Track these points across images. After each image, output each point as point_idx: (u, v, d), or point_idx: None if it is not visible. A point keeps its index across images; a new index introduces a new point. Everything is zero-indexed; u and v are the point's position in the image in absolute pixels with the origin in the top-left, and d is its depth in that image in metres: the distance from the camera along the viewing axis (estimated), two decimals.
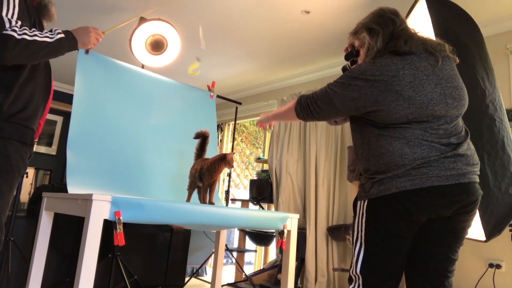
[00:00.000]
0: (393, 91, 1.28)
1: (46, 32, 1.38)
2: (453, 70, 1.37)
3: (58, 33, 1.42)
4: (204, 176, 2.12)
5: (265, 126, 1.84)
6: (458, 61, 1.41)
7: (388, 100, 1.28)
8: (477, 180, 1.30)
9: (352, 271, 1.36)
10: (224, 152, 5.23)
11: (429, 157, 1.24)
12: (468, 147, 1.31)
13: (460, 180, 1.24)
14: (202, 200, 2.18)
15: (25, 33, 1.30)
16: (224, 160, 2.08)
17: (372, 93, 1.30)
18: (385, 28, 1.40)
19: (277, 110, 1.71)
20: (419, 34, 1.41)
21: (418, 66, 1.31)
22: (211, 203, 2.16)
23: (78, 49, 1.61)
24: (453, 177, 1.23)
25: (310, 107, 1.45)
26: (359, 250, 1.34)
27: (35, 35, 1.33)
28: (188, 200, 2.24)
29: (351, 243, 3.01)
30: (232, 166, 2.13)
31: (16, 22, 1.30)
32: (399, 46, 1.34)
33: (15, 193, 1.43)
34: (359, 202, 1.37)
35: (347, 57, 1.57)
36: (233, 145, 3.83)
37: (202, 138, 2.33)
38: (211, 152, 2.88)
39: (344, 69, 1.63)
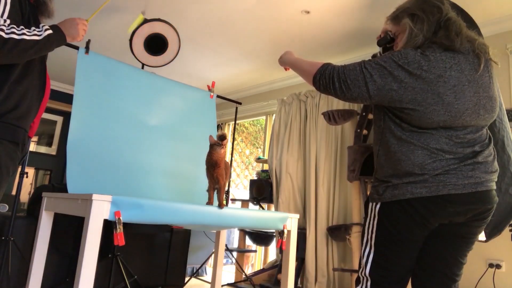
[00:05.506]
0: (435, 93, 1.19)
1: (34, 30, 1.36)
2: (491, 77, 1.30)
3: (46, 29, 1.39)
4: (208, 171, 1.98)
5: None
6: (499, 66, 1.34)
7: (427, 102, 1.19)
8: (494, 187, 1.26)
9: (361, 273, 1.33)
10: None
11: (448, 166, 1.20)
12: (489, 153, 1.27)
13: (478, 189, 1.20)
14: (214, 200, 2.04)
15: (13, 32, 1.27)
16: (212, 146, 1.92)
17: (414, 89, 1.19)
18: (430, 15, 1.26)
19: (298, 60, 1.48)
20: (466, 28, 1.28)
21: (463, 68, 1.22)
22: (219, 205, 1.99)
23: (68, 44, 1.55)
24: (470, 185, 1.19)
25: (335, 83, 1.27)
26: (369, 252, 1.31)
27: (23, 33, 1.30)
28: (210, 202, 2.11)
29: (351, 243, 3.01)
30: (215, 140, 1.92)
31: (5, 21, 1.27)
32: (451, 38, 1.22)
33: (3, 193, 1.42)
34: (370, 204, 1.33)
35: (380, 43, 1.42)
36: (233, 145, 3.83)
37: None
38: None
39: (374, 56, 1.45)
